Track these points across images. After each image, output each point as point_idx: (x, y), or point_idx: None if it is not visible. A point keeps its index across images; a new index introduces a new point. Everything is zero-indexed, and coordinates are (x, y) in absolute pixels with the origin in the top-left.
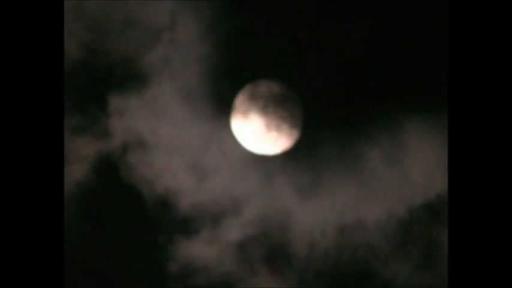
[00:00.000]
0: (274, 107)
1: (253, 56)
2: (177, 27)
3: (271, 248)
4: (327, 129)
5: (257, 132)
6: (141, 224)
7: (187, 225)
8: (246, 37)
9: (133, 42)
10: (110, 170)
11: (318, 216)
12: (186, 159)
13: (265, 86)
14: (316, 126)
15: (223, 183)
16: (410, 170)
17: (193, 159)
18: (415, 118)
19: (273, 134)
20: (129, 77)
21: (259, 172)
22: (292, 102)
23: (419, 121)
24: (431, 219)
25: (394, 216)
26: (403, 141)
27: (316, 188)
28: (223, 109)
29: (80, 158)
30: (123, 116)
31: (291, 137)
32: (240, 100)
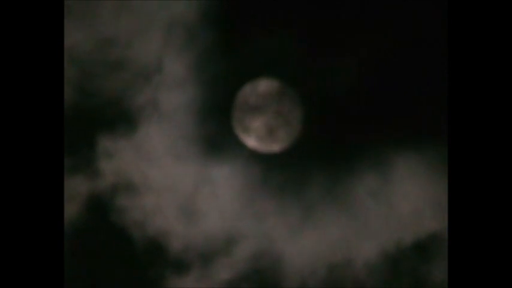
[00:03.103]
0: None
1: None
2: (164, 70)
3: (262, 287)
4: (317, 165)
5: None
6: (131, 264)
7: (178, 266)
8: (233, 76)
9: (122, 84)
10: (100, 211)
11: (308, 254)
12: (177, 200)
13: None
14: (306, 161)
15: (214, 223)
16: (399, 207)
17: (184, 200)
18: (405, 155)
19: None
20: (118, 118)
21: (250, 211)
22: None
23: (408, 158)
24: (420, 257)
25: (384, 254)
26: (392, 179)
27: (307, 226)
28: (213, 149)
29: (70, 197)
30: (113, 158)
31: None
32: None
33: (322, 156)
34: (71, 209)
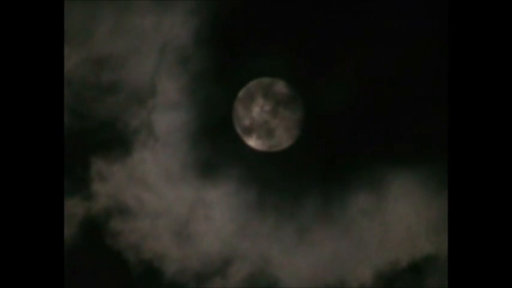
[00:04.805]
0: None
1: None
2: (158, 92)
3: None
4: (311, 184)
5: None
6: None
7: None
8: (226, 99)
9: (116, 107)
10: (95, 234)
11: (303, 274)
12: (172, 223)
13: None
14: (300, 180)
15: (210, 245)
16: (394, 228)
17: (179, 223)
18: (400, 174)
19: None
20: (112, 141)
21: (245, 232)
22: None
23: (403, 178)
24: (415, 279)
25: (378, 275)
26: (387, 199)
27: (302, 246)
28: (207, 172)
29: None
30: (107, 181)
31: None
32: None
33: (317, 175)
34: (66, 232)
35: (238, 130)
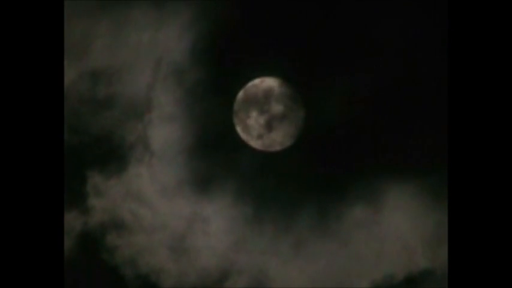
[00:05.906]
0: None
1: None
2: (154, 107)
3: None
4: (307, 196)
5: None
6: None
7: None
8: (222, 112)
9: (112, 122)
10: (91, 247)
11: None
12: (168, 238)
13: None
14: (296, 193)
15: (207, 259)
16: (391, 242)
17: (176, 238)
18: (396, 187)
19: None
20: (108, 156)
21: (242, 246)
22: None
23: (400, 190)
24: None
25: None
26: (383, 212)
27: (298, 259)
28: (204, 186)
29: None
30: (103, 196)
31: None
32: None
33: (314, 187)
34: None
35: (238, 130)
